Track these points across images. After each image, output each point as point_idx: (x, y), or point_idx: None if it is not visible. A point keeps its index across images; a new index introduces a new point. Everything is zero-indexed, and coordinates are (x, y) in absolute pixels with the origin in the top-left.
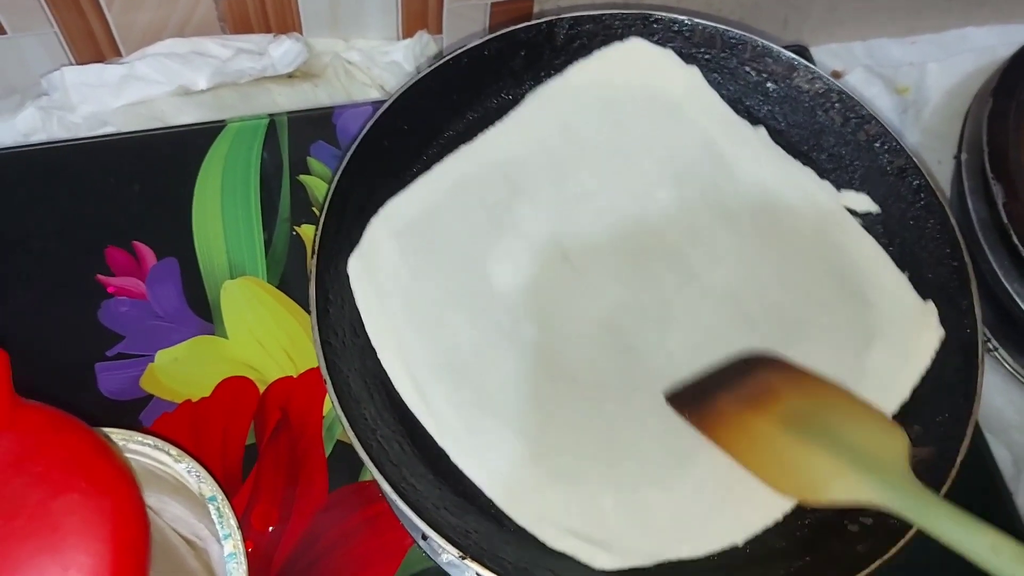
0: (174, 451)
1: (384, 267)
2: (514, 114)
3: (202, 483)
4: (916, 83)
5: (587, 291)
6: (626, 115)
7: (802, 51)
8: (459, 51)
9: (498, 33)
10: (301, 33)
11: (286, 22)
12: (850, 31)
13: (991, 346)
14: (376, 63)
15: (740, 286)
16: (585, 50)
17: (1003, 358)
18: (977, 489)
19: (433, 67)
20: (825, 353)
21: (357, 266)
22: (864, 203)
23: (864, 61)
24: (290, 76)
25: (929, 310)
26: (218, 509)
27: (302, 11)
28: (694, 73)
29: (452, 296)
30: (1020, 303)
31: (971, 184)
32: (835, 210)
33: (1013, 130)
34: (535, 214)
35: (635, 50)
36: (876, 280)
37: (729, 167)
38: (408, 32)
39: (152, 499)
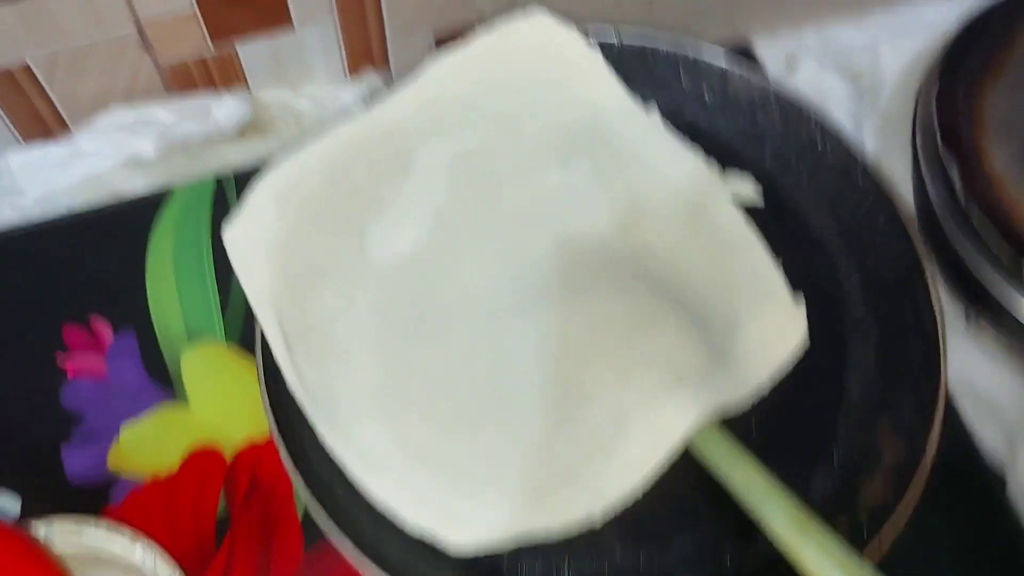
0: (128, 535)
1: (264, 234)
2: (411, 84)
3: (158, 565)
4: (869, 67)
5: (466, 268)
6: (521, 91)
7: (745, 52)
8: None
9: None
10: (247, 86)
11: (230, 76)
12: (799, 17)
13: (974, 331)
14: (327, 109)
15: (613, 258)
16: None
17: (987, 342)
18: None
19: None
20: (686, 330)
21: (234, 234)
22: (747, 189)
23: (816, 48)
24: (241, 134)
25: (798, 300)
26: None
27: (244, 63)
28: (594, 55)
29: (329, 268)
30: (987, 287)
31: (928, 168)
32: (717, 192)
33: (963, 109)
34: (421, 188)
35: (538, 25)
36: (749, 265)
37: (616, 144)
38: (354, 68)
39: None
